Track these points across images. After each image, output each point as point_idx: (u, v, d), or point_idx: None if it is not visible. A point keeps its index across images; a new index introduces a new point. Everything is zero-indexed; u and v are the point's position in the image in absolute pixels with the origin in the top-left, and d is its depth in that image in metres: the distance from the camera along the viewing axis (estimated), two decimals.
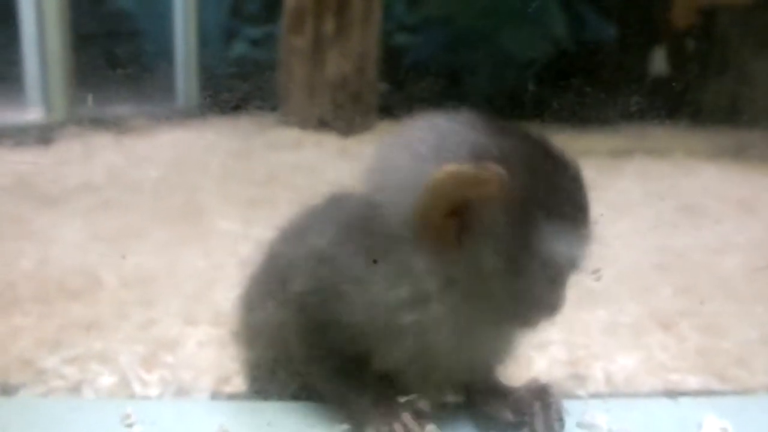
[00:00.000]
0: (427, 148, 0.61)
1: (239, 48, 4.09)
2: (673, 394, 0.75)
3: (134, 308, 1.24)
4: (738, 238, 1.69)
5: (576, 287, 1.48)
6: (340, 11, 3.09)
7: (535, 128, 0.71)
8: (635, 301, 1.37)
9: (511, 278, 0.60)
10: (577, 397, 0.81)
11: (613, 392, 0.97)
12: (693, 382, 1.04)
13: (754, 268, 1.49)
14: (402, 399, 0.62)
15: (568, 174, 0.65)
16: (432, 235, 0.58)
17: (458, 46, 3.78)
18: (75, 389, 0.84)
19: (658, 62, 3.22)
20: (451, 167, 0.57)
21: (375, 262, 0.60)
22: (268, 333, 0.70)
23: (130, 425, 0.62)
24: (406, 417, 0.60)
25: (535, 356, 1.10)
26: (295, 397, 0.70)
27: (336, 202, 0.70)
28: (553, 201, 0.61)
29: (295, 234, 0.72)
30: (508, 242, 0.59)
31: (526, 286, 0.61)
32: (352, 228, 0.64)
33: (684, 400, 0.72)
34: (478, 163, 0.57)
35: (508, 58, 3.63)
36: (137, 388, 0.85)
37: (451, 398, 0.73)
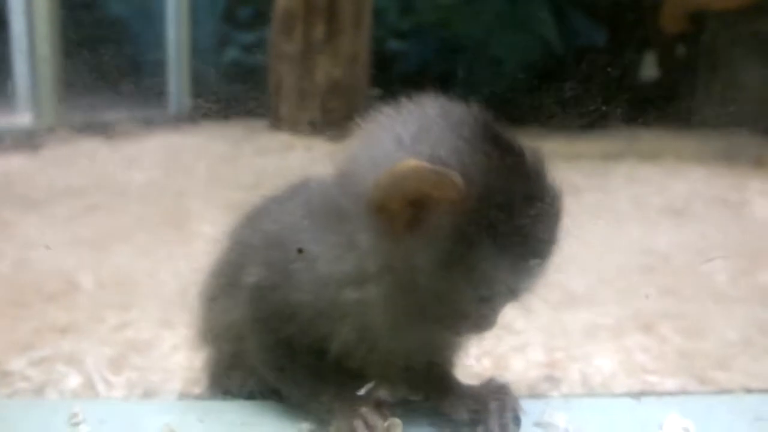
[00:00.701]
0: (404, 136, 0.60)
1: (231, 53, 4.09)
2: (636, 393, 0.74)
3: (110, 311, 1.23)
4: (723, 240, 1.68)
5: (557, 288, 1.48)
6: (330, 16, 3.09)
7: (529, 141, 0.70)
8: (617, 302, 1.36)
9: (442, 285, 0.59)
10: (542, 397, 0.80)
11: (588, 394, 0.96)
12: (671, 384, 1.03)
13: (737, 269, 1.48)
14: (361, 391, 0.61)
15: (540, 204, 0.61)
16: (384, 218, 0.57)
17: (450, 51, 3.78)
18: (39, 391, 0.83)
19: (649, 67, 3.23)
20: (414, 162, 0.56)
21: (300, 251, 0.61)
22: (225, 328, 0.70)
23: (76, 424, 0.61)
24: (366, 410, 0.60)
25: (512, 357, 1.09)
26: (254, 395, 0.69)
27: (293, 188, 0.71)
28: (508, 227, 0.58)
29: (250, 222, 0.72)
30: (449, 251, 0.57)
31: (455, 297, 0.60)
32: (306, 209, 0.64)
33: (647, 400, 0.71)
34: (442, 166, 0.56)
35: (500, 64, 3.64)
36: (102, 389, 0.84)
37: (409, 395, 0.71)
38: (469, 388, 0.69)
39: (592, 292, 1.44)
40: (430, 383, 0.69)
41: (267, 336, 0.65)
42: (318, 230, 0.62)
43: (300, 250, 0.61)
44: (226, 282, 0.71)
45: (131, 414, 0.66)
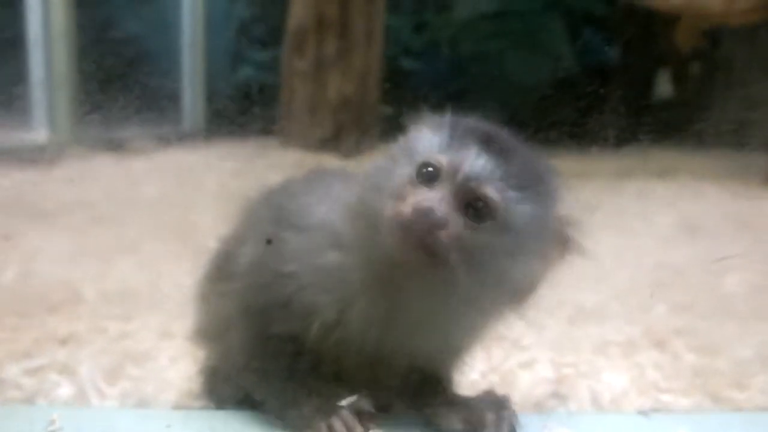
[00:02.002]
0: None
1: (245, 71, 4.12)
2: (645, 410, 0.70)
3: (111, 322, 1.22)
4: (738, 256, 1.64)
5: (567, 304, 1.44)
6: (342, 33, 3.10)
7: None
8: (629, 318, 1.33)
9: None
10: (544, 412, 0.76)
11: (597, 411, 0.92)
12: (685, 403, 0.99)
13: (753, 286, 1.44)
14: (343, 402, 0.59)
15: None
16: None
17: (462, 69, 3.78)
18: (29, 400, 0.81)
19: (663, 84, 3.20)
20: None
21: (269, 242, 0.61)
22: (215, 326, 0.68)
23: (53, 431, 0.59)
24: (347, 415, 0.57)
25: (519, 373, 1.06)
26: (240, 404, 0.67)
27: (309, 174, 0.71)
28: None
29: (243, 224, 0.71)
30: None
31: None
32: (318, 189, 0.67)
33: (657, 417, 0.67)
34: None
35: (513, 82, 3.63)
36: (94, 399, 0.82)
37: (396, 403, 0.68)
38: (465, 398, 0.66)
39: (602, 307, 1.40)
40: (420, 389, 0.66)
41: (251, 332, 0.63)
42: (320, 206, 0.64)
43: (269, 241, 0.62)
44: (218, 277, 0.70)
45: (109, 421, 0.64)
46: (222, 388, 0.69)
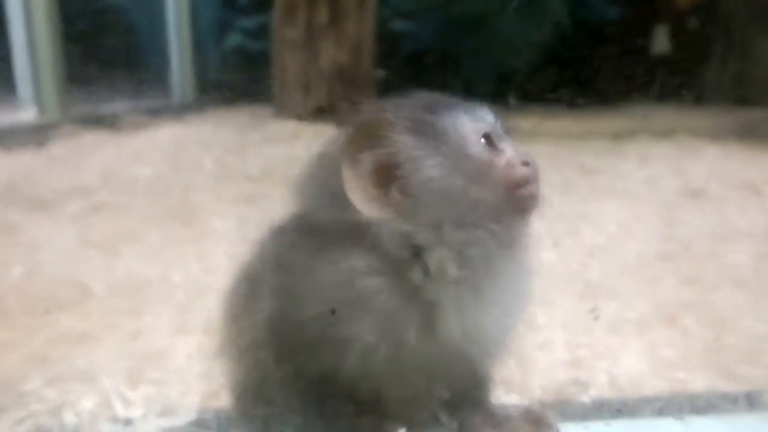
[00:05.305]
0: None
1: (233, 40, 4.03)
2: (679, 412, 0.71)
3: (123, 318, 1.21)
4: (744, 224, 1.64)
5: (577, 280, 1.44)
6: None
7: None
8: (639, 294, 1.33)
9: None
10: (577, 419, 0.77)
11: (617, 397, 0.93)
12: (699, 381, 1.00)
13: (761, 255, 1.45)
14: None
15: None
16: (373, 206, 0.59)
17: (456, 31, 3.71)
18: (55, 413, 0.81)
19: (661, 42, 3.15)
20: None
21: (333, 312, 0.59)
22: (248, 352, 0.67)
23: None
24: None
25: (536, 356, 1.06)
26: (274, 420, 0.66)
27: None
28: None
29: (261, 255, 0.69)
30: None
31: None
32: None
33: (691, 420, 0.67)
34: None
35: (508, 42, 3.56)
36: (120, 409, 0.82)
37: (440, 421, 0.69)
38: (507, 417, 0.66)
39: (612, 282, 1.41)
40: (466, 410, 0.66)
41: (288, 365, 0.62)
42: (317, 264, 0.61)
43: (333, 311, 0.59)
44: (244, 306, 0.68)
45: None
46: (254, 408, 0.68)
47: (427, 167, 0.59)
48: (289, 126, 3.06)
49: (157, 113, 3.39)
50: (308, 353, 0.61)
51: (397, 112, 0.61)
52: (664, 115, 2.72)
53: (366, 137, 0.59)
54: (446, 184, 0.59)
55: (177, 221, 1.81)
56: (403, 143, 0.59)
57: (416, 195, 0.59)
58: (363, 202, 0.58)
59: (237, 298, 0.70)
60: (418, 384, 0.62)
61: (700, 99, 2.72)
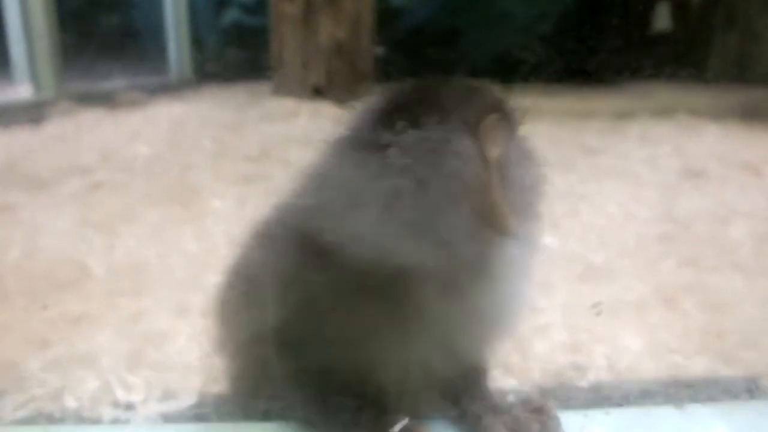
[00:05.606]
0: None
1: (231, 15, 3.98)
2: (679, 401, 0.71)
3: (123, 299, 1.21)
4: (744, 205, 1.64)
5: (577, 261, 1.44)
6: None
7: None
8: (638, 275, 1.33)
9: None
10: (575, 407, 0.77)
11: (616, 381, 0.93)
12: (698, 365, 1.00)
13: (761, 236, 1.45)
14: (395, 429, 0.58)
15: None
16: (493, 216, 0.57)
17: (455, 7, 3.67)
18: (56, 397, 0.81)
19: (662, 19, 3.12)
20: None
21: None
22: (247, 346, 0.67)
23: None
24: None
25: (534, 339, 1.07)
26: (273, 415, 0.66)
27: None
28: None
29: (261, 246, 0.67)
30: None
31: None
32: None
33: (690, 408, 0.68)
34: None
35: (508, 19, 3.53)
36: (120, 393, 0.82)
37: (441, 410, 0.69)
38: (508, 406, 0.66)
39: (611, 264, 1.41)
40: (466, 401, 0.66)
41: (294, 361, 0.61)
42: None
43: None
44: (245, 299, 0.67)
45: None
46: (253, 401, 0.68)
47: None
48: (288, 103, 3.04)
49: (154, 91, 3.36)
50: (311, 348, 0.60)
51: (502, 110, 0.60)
52: (665, 94, 2.71)
53: (493, 131, 0.57)
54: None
55: (175, 201, 1.81)
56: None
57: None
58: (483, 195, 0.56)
59: (235, 293, 0.69)
60: (418, 374, 0.62)
61: (701, 78, 2.70)
